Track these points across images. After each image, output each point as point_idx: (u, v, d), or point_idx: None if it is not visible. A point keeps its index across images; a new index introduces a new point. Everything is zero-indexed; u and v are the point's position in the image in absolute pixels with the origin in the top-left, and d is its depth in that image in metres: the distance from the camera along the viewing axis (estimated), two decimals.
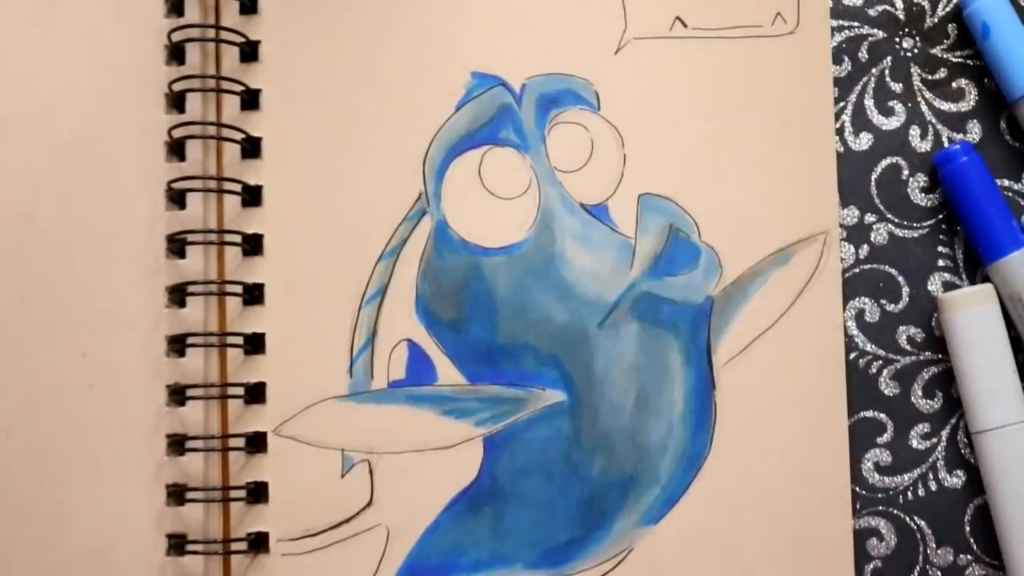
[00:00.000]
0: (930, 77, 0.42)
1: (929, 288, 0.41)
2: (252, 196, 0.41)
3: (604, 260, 0.40)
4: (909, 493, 0.40)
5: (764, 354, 0.40)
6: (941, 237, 0.41)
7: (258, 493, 0.40)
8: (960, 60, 0.42)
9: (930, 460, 0.40)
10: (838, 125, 0.42)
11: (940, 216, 0.41)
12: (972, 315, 0.39)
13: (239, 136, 0.40)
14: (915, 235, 0.41)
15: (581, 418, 0.40)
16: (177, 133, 0.40)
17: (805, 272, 0.40)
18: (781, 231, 0.40)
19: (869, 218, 0.41)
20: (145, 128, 0.41)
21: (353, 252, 0.40)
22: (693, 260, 0.40)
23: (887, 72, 0.42)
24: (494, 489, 0.40)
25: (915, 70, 0.42)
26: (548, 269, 0.40)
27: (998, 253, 0.39)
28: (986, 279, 0.41)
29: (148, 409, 0.40)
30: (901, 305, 0.41)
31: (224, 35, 0.41)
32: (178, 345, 0.40)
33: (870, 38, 0.42)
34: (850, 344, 0.41)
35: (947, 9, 0.42)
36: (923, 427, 0.41)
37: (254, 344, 0.40)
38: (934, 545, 0.40)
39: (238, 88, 0.41)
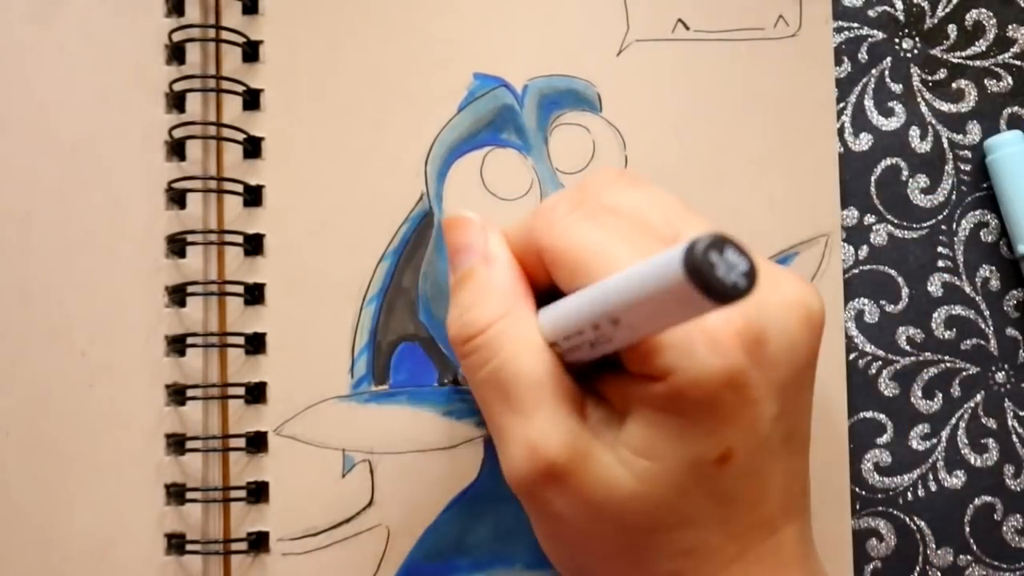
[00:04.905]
0: (930, 78, 0.42)
1: (929, 289, 0.41)
2: (253, 196, 0.41)
3: None
4: (909, 493, 0.41)
5: None
6: (941, 238, 0.41)
7: (258, 493, 0.40)
8: (960, 60, 0.42)
9: (930, 460, 0.41)
10: (838, 126, 0.42)
11: (940, 217, 0.41)
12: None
13: (240, 136, 0.40)
14: (915, 236, 0.41)
15: None
16: (177, 133, 0.40)
17: (806, 274, 0.40)
18: (783, 234, 0.40)
19: (869, 219, 0.41)
20: (145, 128, 0.41)
21: (354, 252, 0.40)
22: None
23: (887, 73, 0.42)
24: (495, 489, 0.40)
25: (915, 71, 0.42)
26: None
27: None
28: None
29: (148, 409, 0.40)
30: (901, 306, 0.41)
31: (225, 35, 0.41)
32: (178, 345, 0.40)
33: (870, 39, 0.42)
34: (850, 345, 0.41)
35: (947, 10, 0.42)
36: (923, 427, 0.41)
37: (255, 344, 0.40)
38: (934, 545, 0.40)
39: (239, 88, 0.41)
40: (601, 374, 0.31)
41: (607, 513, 0.29)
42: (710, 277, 0.22)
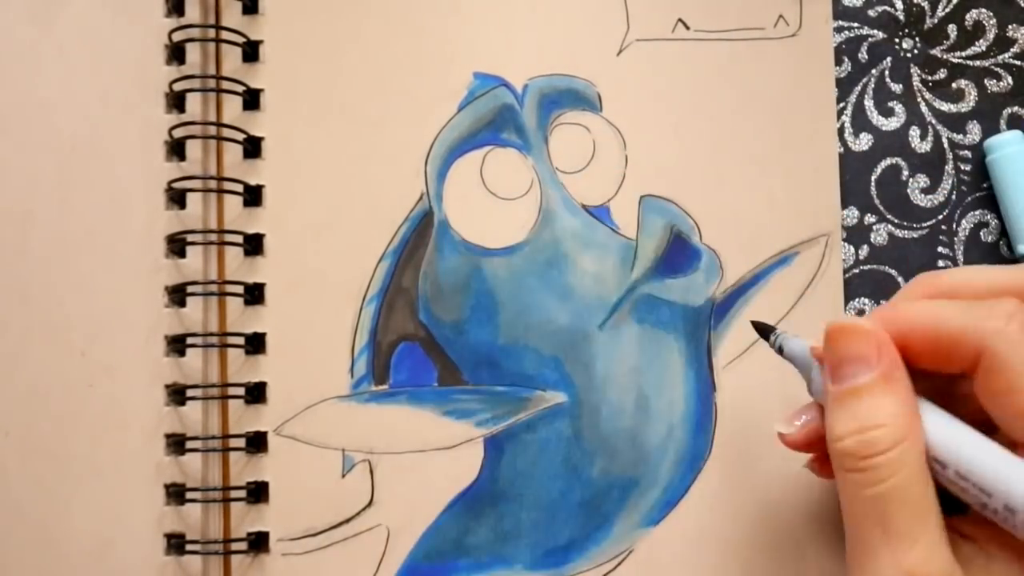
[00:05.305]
0: (930, 78, 0.42)
1: None
2: (253, 196, 0.41)
3: (605, 261, 0.40)
4: None
5: (764, 356, 0.40)
6: (941, 238, 0.41)
7: (258, 493, 0.40)
8: (960, 60, 0.42)
9: None
10: (838, 125, 0.42)
11: (940, 216, 0.41)
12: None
13: (240, 136, 0.40)
14: (915, 235, 0.41)
15: (582, 419, 0.40)
16: (177, 133, 0.40)
17: (807, 274, 0.40)
18: (783, 233, 0.41)
19: (869, 219, 0.41)
20: (145, 128, 0.41)
21: (354, 252, 0.40)
22: (694, 262, 0.40)
23: (887, 73, 0.42)
24: (495, 490, 0.40)
25: (915, 71, 0.42)
26: (549, 270, 0.40)
27: None
28: None
29: (148, 409, 0.40)
30: None
31: (225, 35, 0.41)
32: (178, 345, 0.40)
33: (870, 39, 0.42)
34: None
35: (947, 10, 0.42)
36: None
37: (255, 344, 0.40)
38: None
39: (239, 88, 0.41)
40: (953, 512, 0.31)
41: None
42: None
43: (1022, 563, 0.29)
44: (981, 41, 0.42)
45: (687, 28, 0.41)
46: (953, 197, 0.42)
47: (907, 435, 0.30)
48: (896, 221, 0.41)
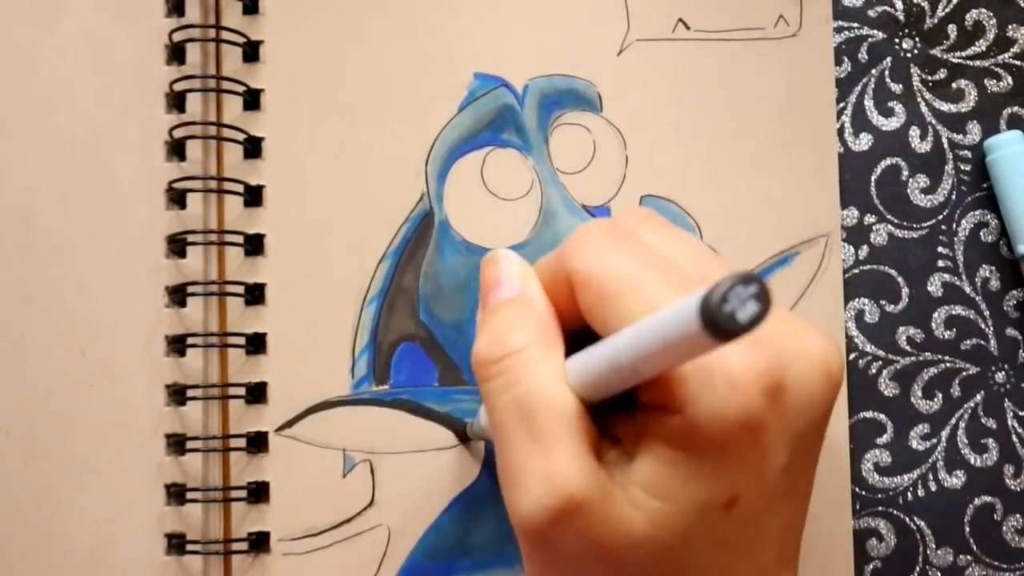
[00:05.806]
0: (930, 78, 0.42)
1: (929, 289, 0.41)
2: (254, 196, 0.41)
3: None
4: (909, 493, 0.41)
5: None
6: (941, 238, 0.41)
7: (259, 493, 0.40)
8: (960, 61, 0.42)
9: (930, 460, 0.41)
10: (838, 126, 0.42)
11: (940, 217, 0.41)
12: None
13: (240, 136, 0.40)
14: (915, 236, 0.41)
15: None
16: (178, 133, 0.40)
17: (806, 274, 0.40)
18: (783, 233, 0.41)
19: (869, 219, 0.41)
20: (145, 128, 0.41)
21: (355, 252, 0.40)
22: None
23: (887, 73, 0.42)
24: (495, 489, 0.40)
25: (915, 71, 0.42)
26: None
27: None
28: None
29: (148, 409, 0.40)
30: (901, 306, 0.41)
31: (225, 35, 0.41)
32: (179, 345, 0.40)
33: (870, 39, 0.42)
34: (850, 345, 0.41)
35: (947, 10, 0.42)
36: (923, 428, 0.41)
37: (255, 344, 0.40)
38: (934, 545, 0.40)
39: (239, 88, 0.41)
40: (613, 413, 0.30)
41: (613, 557, 0.28)
42: (720, 316, 0.21)
43: (662, 451, 0.28)
44: (981, 41, 0.42)
45: (687, 28, 0.41)
46: (953, 197, 0.42)
47: (538, 339, 0.30)
48: (896, 221, 0.41)
